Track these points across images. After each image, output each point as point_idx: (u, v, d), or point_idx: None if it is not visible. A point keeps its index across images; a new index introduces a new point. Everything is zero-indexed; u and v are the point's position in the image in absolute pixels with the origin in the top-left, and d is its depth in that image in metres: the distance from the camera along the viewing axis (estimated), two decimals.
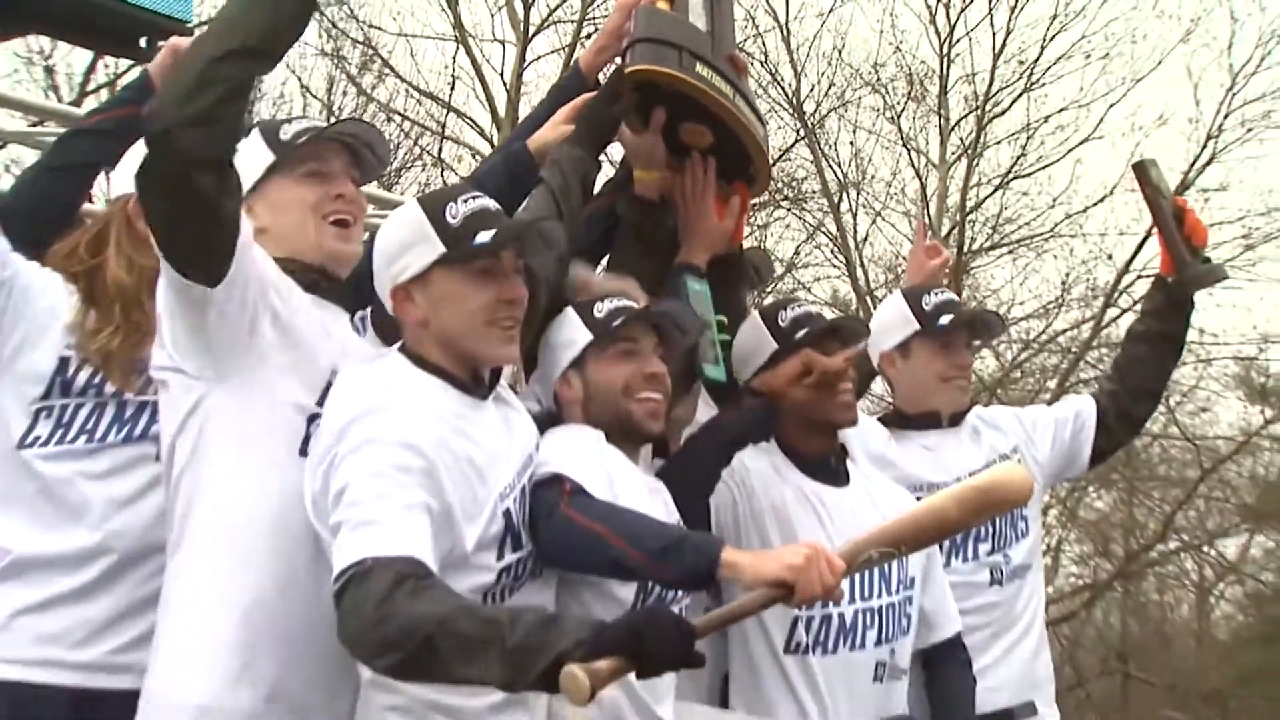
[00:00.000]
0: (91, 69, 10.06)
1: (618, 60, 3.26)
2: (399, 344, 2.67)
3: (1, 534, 2.80)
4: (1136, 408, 3.87)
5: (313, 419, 2.58)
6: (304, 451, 2.56)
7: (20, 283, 2.86)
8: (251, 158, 2.73)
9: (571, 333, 2.89)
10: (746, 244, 3.93)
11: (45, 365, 2.84)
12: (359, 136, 2.83)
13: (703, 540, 2.57)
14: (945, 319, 3.64)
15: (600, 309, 2.89)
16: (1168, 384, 3.98)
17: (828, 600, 2.49)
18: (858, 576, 3.04)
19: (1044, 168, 19.04)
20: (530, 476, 2.62)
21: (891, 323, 3.72)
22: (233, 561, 2.52)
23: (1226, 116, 18.77)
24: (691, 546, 2.51)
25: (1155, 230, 3.91)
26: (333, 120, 2.94)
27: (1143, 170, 3.87)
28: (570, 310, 2.93)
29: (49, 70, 14.58)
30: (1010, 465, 3.29)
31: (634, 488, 2.76)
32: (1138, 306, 17.47)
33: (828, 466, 3.23)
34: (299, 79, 16.95)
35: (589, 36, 15.55)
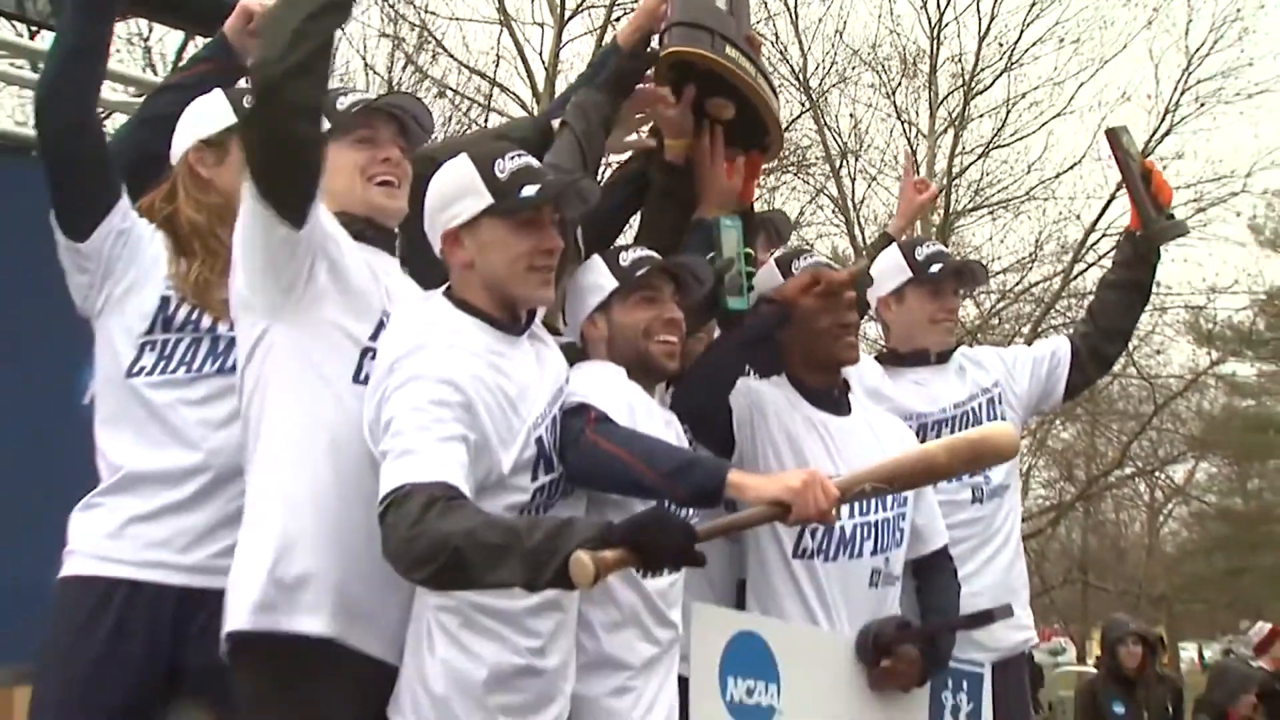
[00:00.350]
0: (183, 48, 10.07)
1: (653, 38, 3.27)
2: (444, 287, 2.70)
3: (113, 451, 2.88)
4: (1107, 347, 3.90)
5: (365, 351, 2.62)
6: (357, 379, 2.60)
7: (135, 232, 2.93)
8: None
9: (599, 279, 2.92)
10: (758, 207, 3.93)
11: (150, 304, 2.89)
12: (405, 108, 2.89)
13: (712, 463, 2.65)
14: (935, 267, 3.69)
15: (625, 259, 2.92)
16: (1136, 325, 3.99)
17: (821, 522, 2.56)
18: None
19: (1021, 139, 19.24)
20: (560, 406, 2.65)
21: (888, 271, 3.75)
22: (289, 472, 2.58)
23: (1182, 94, 19.03)
24: (702, 468, 2.58)
25: (1125, 189, 3.91)
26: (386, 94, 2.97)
27: (1115, 135, 3.88)
28: (598, 258, 2.96)
29: (147, 50, 14.60)
30: (999, 424, 3.32)
31: (651, 419, 2.80)
32: (1103, 262, 17.83)
33: (832, 398, 3.27)
34: (363, 58, 16.86)
35: (618, 20, 15.52)
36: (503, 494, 2.51)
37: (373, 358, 2.59)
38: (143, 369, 2.87)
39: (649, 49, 3.25)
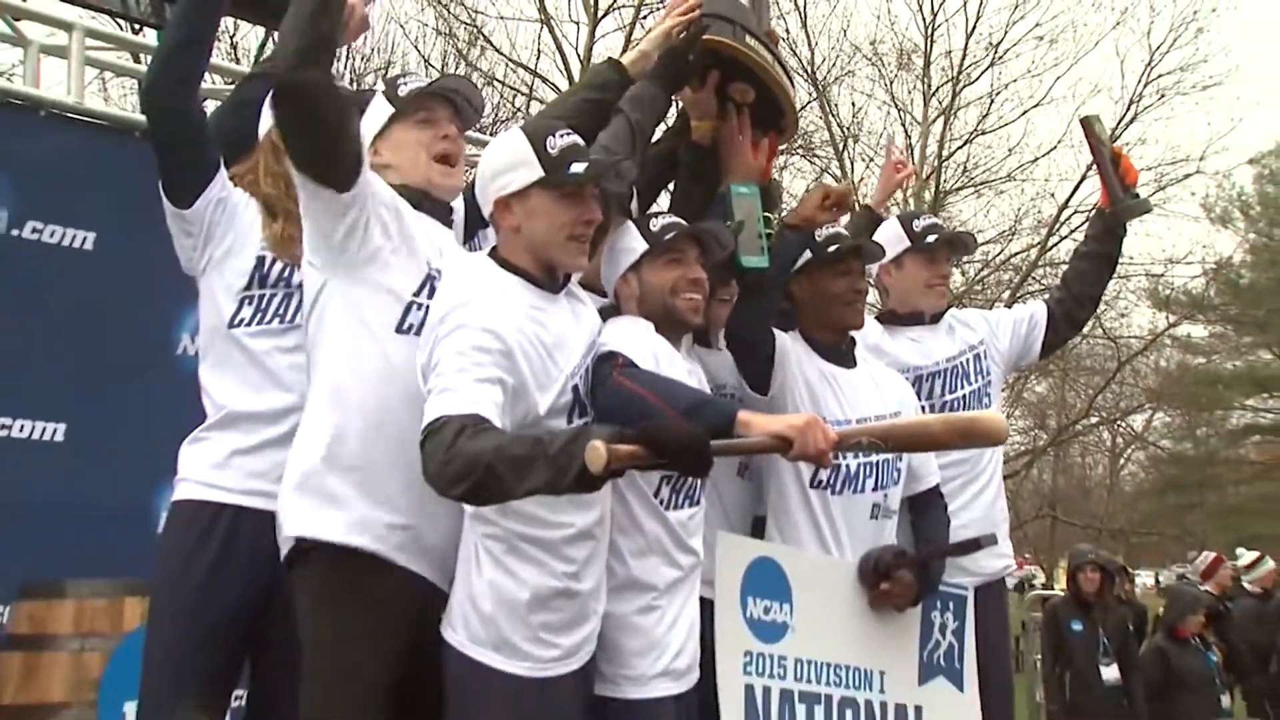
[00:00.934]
0: (264, 43, 10.09)
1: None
2: (490, 249, 2.70)
3: (217, 393, 2.91)
4: (1079, 312, 3.87)
5: (409, 305, 2.62)
6: (400, 329, 2.60)
7: (232, 201, 2.94)
8: (378, 111, 2.82)
9: (632, 242, 2.90)
10: None
11: (247, 263, 2.92)
12: (459, 91, 2.89)
13: (724, 403, 2.68)
14: (931, 238, 3.66)
15: (655, 225, 2.90)
16: (1104, 292, 3.95)
17: (817, 462, 2.54)
18: None
19: (1003, 126, 19.18)
20: (594, 357, 2.64)
21: (889, 241, 3.69)
22: (337, 407, 2.59)
23: (1145, 86, 18.98)
24: (715, 407, 2.58)
25: (1096, 171, 3.88)
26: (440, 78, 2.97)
27: (1088, 124, 3.83)
28: (630, 224, 2.94)
29: (234, 45, 14.62)
30: (993, 413, 3.32)
31: (675, 367, 2.78)
32: (1075, 235, 17.79)
33: (840, 352, 3.26)
34: (420, 53, 16.85)
35: (646, 18, 15.55)
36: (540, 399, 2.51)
37: (416, 309, 2.60)
38: (242, 320, 2.90)
39: (696, 53, 3.19)
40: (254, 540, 2.74)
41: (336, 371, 2.61)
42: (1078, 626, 7.61)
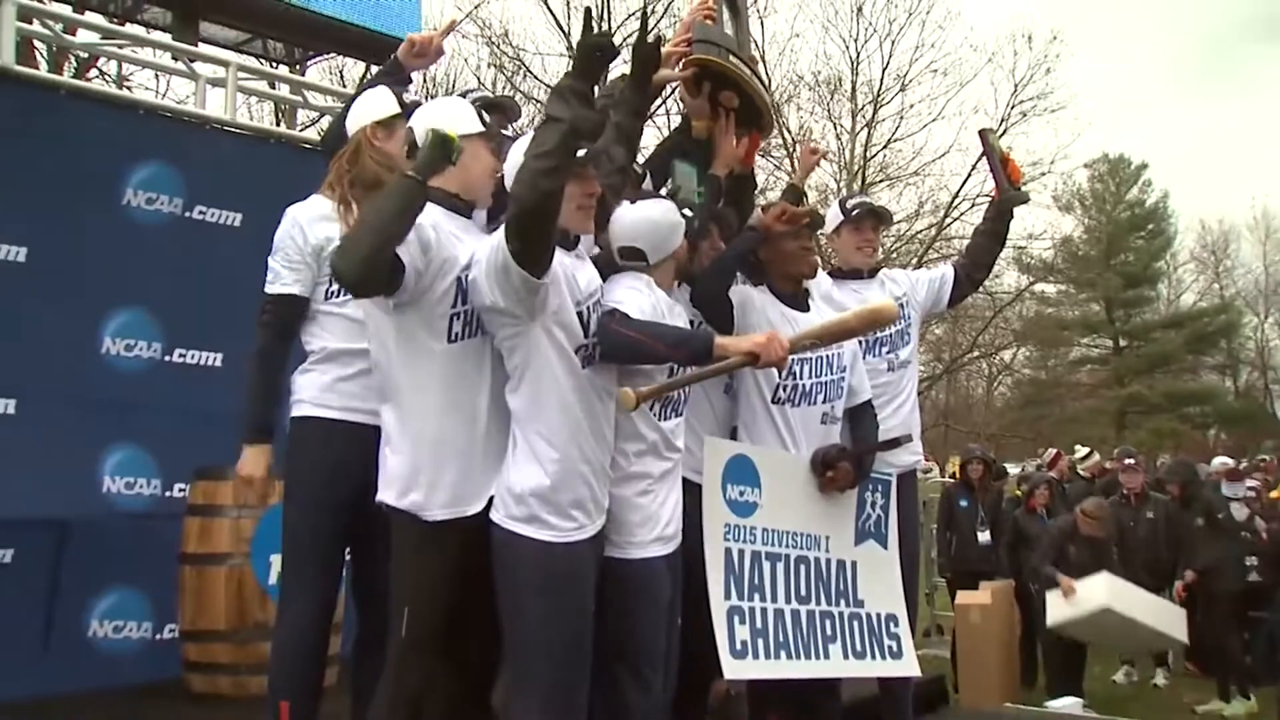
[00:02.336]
0: (367, 70, 9.93)
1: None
2: None
3: (318, 338, 2.77)
4: (977, 274, 3.74)
5: (451, 317, 2.37)
6: (449, 339, 2.37)
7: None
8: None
9: None
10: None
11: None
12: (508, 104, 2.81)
13: (704, 332, 2.58)
14: (857, 211, 3.57)
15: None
16: (995, 260, 3.83)
17: (778, 366, 2.52)
18: (815, 361, 3.02)
19: (909, 135, 18.84)
20: (597, 302, 2.47)
21: (831, 217, 3.61)
22: (406, 412, 2.41)
23: (1011, 109, 18.71)
24: (697, 336, 2.54)
25: (989, 170, 3.80)
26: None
27: (985, 134, 3.84)
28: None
29: (341, 78, 14.29)
30: (887, 300, 3.19)
31: (673, 311, 2.66)
32: (964, 218, 17.74)
33: (797, 299, 3.11)
34: (477, 78, 16.48)
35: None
36: (568, 320, 2.37)
37: (457, 319, 2.37)
38: (331, 294, 2.75)
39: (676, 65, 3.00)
40: (360, 445, 2.60)
41: (403, 386, 2.41)
42: (964, 503, 7.58)
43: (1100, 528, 6.62)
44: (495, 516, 2.38)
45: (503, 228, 2.28)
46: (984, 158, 3.88)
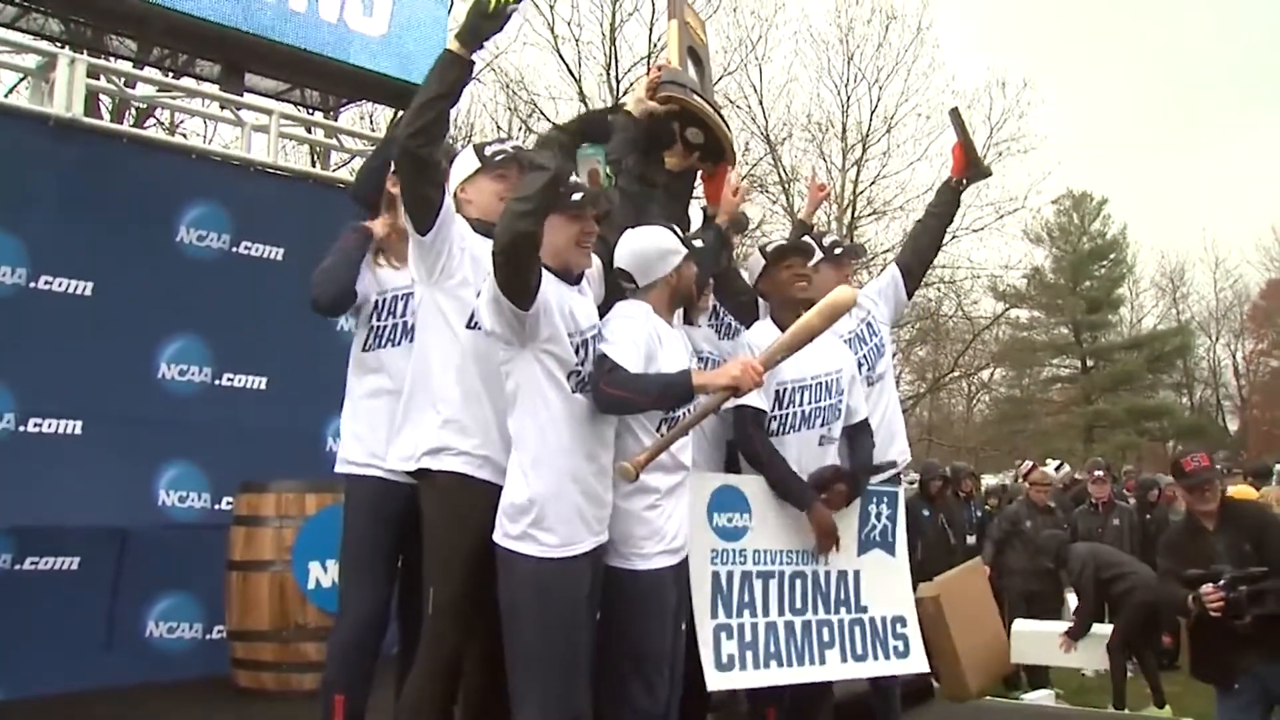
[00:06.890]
0: (395, 115, 10.07)
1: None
2: None
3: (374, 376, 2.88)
4: (925, 259, 3.66)
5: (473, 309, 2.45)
6: (469, 325, 2.46)
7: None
8: (467, 163, 2.67)
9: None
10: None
11: None
12: (525, 156, 2.66)
13: (681, 376, 2.41)
14: (837, 250, 3.45)
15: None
16: (939, 247, 3.68)
17: (757, 388, 2.44)
18: (815, 388, 3.00)
19: (895, 174, 18.86)
20: (597, 334, 2.44)
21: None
22: (431, 385, 2.49)
23: (988, 150, 18.28)
24: (675, 383, 2.39)
25: (960, 147, 3.63)
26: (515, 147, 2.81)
27: (955, 113, 3.82)
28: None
29: (371, 122, 14.40)
30: (843, 288, 2.82)
31: (670, 339, 2.59)
32: (945, 249, 17.39)
33: None
34: (494, 121, 16.63)
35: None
36: (559, 350, 2.35)
37: None
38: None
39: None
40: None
41: (429, 358, 2.54)
42: (926, 513, 7.67)
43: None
44: (495, 536, 2.34)
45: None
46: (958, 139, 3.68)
